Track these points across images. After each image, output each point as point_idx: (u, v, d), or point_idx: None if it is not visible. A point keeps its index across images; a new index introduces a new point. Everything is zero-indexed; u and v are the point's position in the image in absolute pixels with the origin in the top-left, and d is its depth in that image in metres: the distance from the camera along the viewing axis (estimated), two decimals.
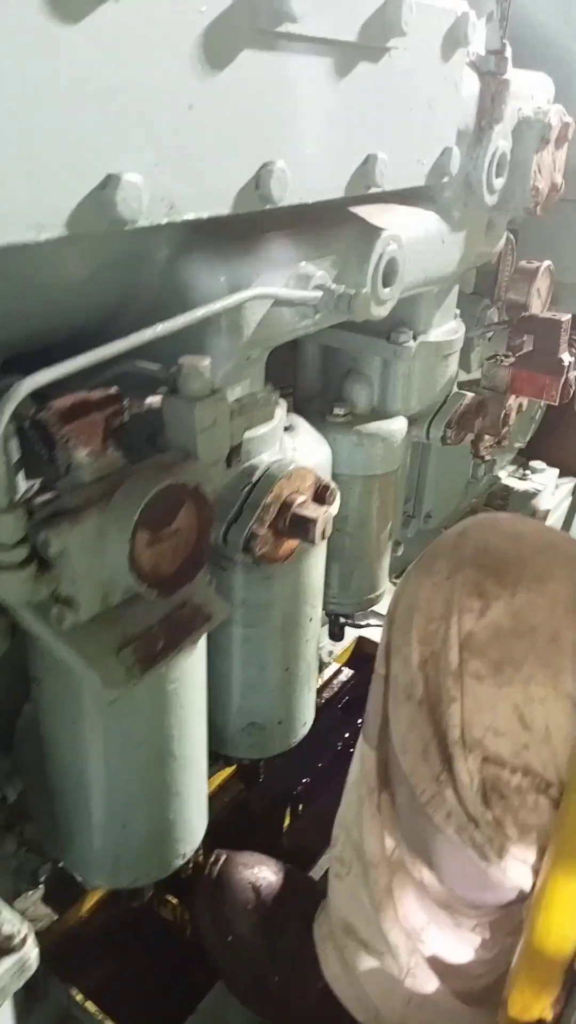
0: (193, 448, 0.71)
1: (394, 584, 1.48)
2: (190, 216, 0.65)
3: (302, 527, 0.91)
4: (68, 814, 1.01)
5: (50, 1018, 1.33)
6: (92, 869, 1.04)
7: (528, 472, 2.91)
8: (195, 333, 0.79)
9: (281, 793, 1.57)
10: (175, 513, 0.66)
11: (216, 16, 0.59)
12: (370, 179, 0.84)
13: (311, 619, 1.18)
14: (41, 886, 1.37)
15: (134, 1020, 1.21)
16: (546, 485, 2.88)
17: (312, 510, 0.92)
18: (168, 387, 0.73)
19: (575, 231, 1.76)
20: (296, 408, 1.39)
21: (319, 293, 0.85)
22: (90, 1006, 1.20)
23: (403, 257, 1.03)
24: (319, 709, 1.36)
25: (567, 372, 1.33)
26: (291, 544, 0.96)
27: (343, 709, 1.79)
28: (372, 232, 0.97)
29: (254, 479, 0.91)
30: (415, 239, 1.09)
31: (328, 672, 1.88)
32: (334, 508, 1.02)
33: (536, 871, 0.87)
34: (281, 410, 1.01)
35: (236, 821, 1.51)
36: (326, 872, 1.46)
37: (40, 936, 1.32)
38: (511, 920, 1.03)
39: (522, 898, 0.91)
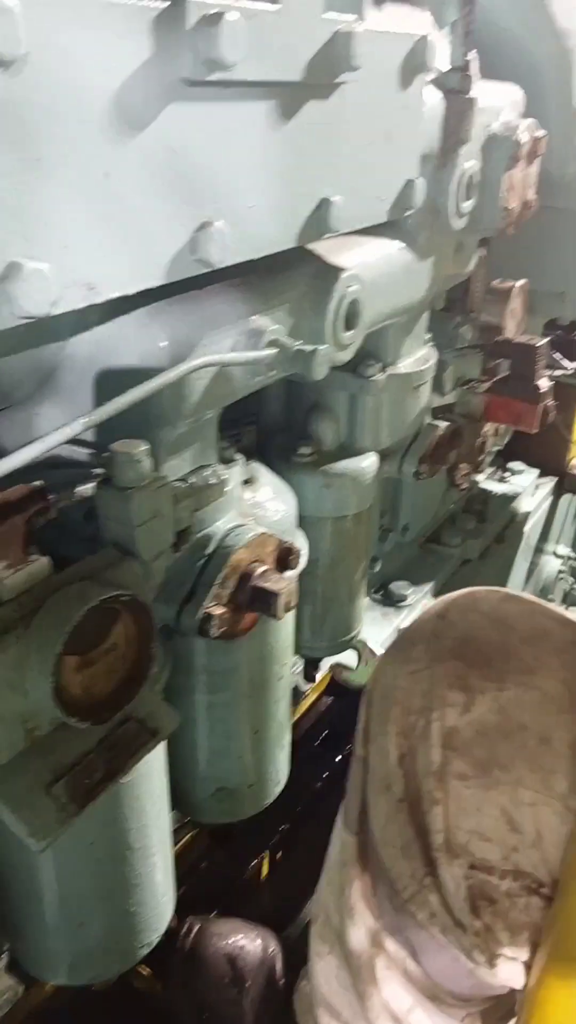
0: (131, 544, 0.63)
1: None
2: (115, 295, 0.57)
3: (264, 601, 0.84)
4: (17, 912, 0.94)
5: None
6: (47, 968, 0.97)
7: (507, 474, 2.85)
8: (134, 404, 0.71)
9: (257, 843, 1.50)
10: (109, 629, 0.58)
11: (131, 72, 0.51)
12: (324, 225, 0.76)
13: (280, 678, 1.11)
14: (4, 955, 1.31)
15: None
16: (526, 487, 2.83)
17: (274, 582, 0.84)
18: (101, 475, 0.65)
19: (550, 238, 1.69)
20: (259, 444, 1.32)
21: (273, 351, 0.78)
22: None
23: (366, 296, 0.95)
24: (296, 744, 1.30)
25: (544, 399, 1.26)
26: (253, 616, 0.89)
27: (322, 744, 1.73)
28: (330, 274, 0.89)
29: (208, 552, 0.83)
30: (379, 274, 1.01)
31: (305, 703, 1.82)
32: (301, 563, 0.95)
33: (528, 966, 0.81)
34: (238, 468, 0.93)
35: (208, 877, 1.44)
36: (307, 929, 1.41)
37: (3, 1019, 1.27)
38: (502, 1007, 0.97)
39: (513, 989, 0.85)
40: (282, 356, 0.78)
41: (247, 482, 1.01)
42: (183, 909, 1.34)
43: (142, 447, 0.63)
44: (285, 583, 0.84)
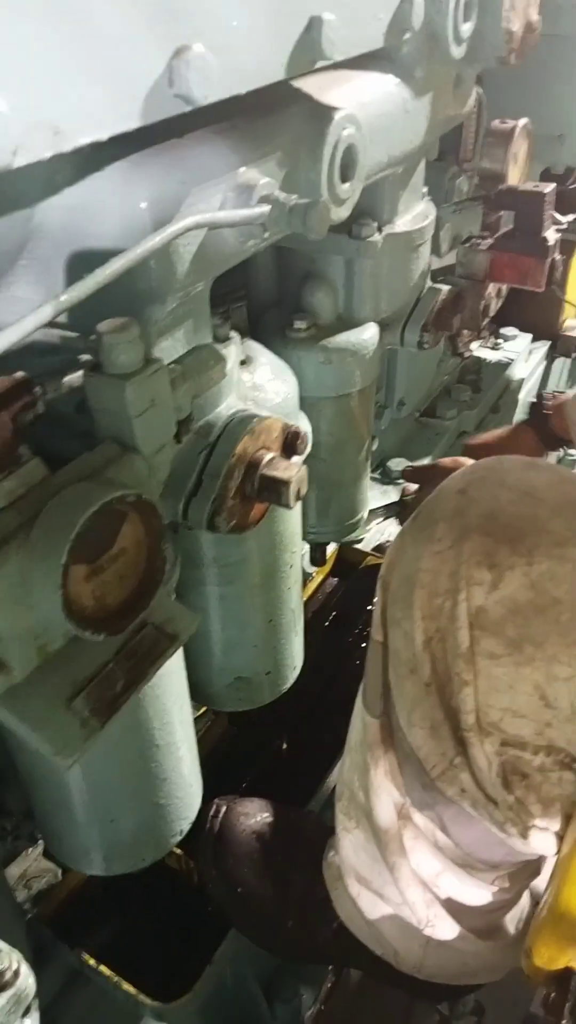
0: (129, 437, 0.57)
1: None
2: (85, 140, 0.48)
3: (274, 490, 0.79)
4: (49, 813, 0.94)
5: (61, 979, 1.32)
6: (82, 862, 0.97)
7: (500, 341, 2.76)
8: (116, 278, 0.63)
9: (274, 725, 1.51)
10: (115, 533, 0.53)
11: None
12: (316, 51, 0.65)
13: (291, 566, 1.08)
14: (40, 842, 1.33)
15: (150, 976, 1.19)
16: (519, 353, 2.74)
17: (284, 469, 0.79)
18: (89, 361, 0.58)
19: (547, 74, 1.54)
20: (250, 322, 1.23)
21: (266, 208, 0.68)
22: (104, 969, 1.18)
23: (363, 141, 0.85)
24: (306, 627, 1.28)
25: (552, 252, 1.16)
26: (263, 506, 0.83)
27: (331, 626, 1.72)
28: (323, 115, 0.79)
29: (211, 440, 0.77)
30: (374, 115, 0.90)
31: (312, 585, 1.80)
32: (307, 447, 0.89)
33: (560, 836, 0.82)
34: (235, 346, 0.85)
35: (231, 759, 1.46)
36: (329, 800, 1.44)
37: (43, 899, 1.30)
38: (529, 867, 0.99)
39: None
40: (276, 213, 0.69)
41: (243, 363, 0.93)
42: (208, 791, 1.37)
43: (132, 327, 0.56)
44: (295, 470, 0.78)
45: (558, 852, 0.82)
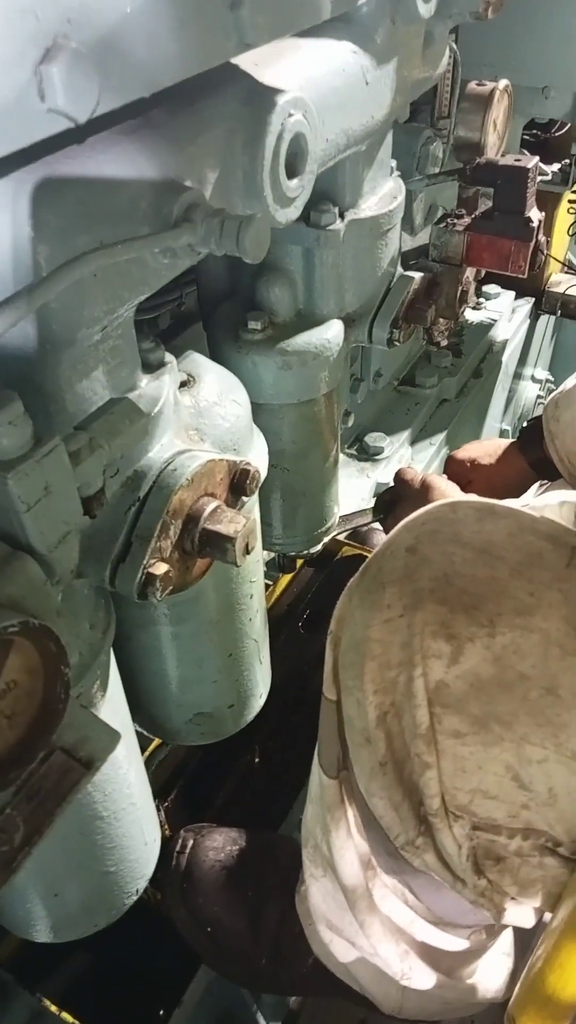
0: (20, 533, 0.46)
1: None
2: None
3: (217, 546, 0.68)
4: None
5: (25, 1017, 1.26)
6: (28, 931, 0.90)
7: (482, 300, 2.62)
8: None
9: (245, 738, 1.43)
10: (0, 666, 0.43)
11: None
12: (238, 33, 0.52)
13: (251, 596, 0.98)
14: None
15: (118, 1017, 1.13)
16: (502, 312, 2.61)
17: (229, 521, 0.68)
18: None
19: (531, 21, 1.39)
20: (202, 316, 1.11)
21: (187, 231, 0.56)
22: (66, 1016, 1.12)
23: (313, 126, 0.72)
24: (278, 625, 1.19)
25: (536, 234, 1.04)
26: (206, 561, 0.73)
27: (306, 626, 1.64)
28: (262, 100, 0.66)
29: (140, 495, 0.66)
30: (327, 90, 0.76)
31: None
32: (259, 483, 0.78)
33: (540, 910, 0.75)
34: (167, 376, 0.74)
35: (197, 777, 1.39)
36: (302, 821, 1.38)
37: (2, 941, 1.24)
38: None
39: None
40: (205, 231, 0.57)
41: (184, 384, 0.81)
42: (176, 815, 1.30)
43: (13, 405, 0.44)
44: (242, 522, 0.68)
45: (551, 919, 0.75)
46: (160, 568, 0.64)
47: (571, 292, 2.85)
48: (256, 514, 0.71)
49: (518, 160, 1.02)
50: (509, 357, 2.63)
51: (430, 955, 0.94)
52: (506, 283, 2.68)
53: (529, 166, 1.00)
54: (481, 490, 1.39)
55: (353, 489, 1.94)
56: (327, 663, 0.78)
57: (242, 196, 0.67)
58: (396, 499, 1.29)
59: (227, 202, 0.65)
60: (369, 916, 0.90)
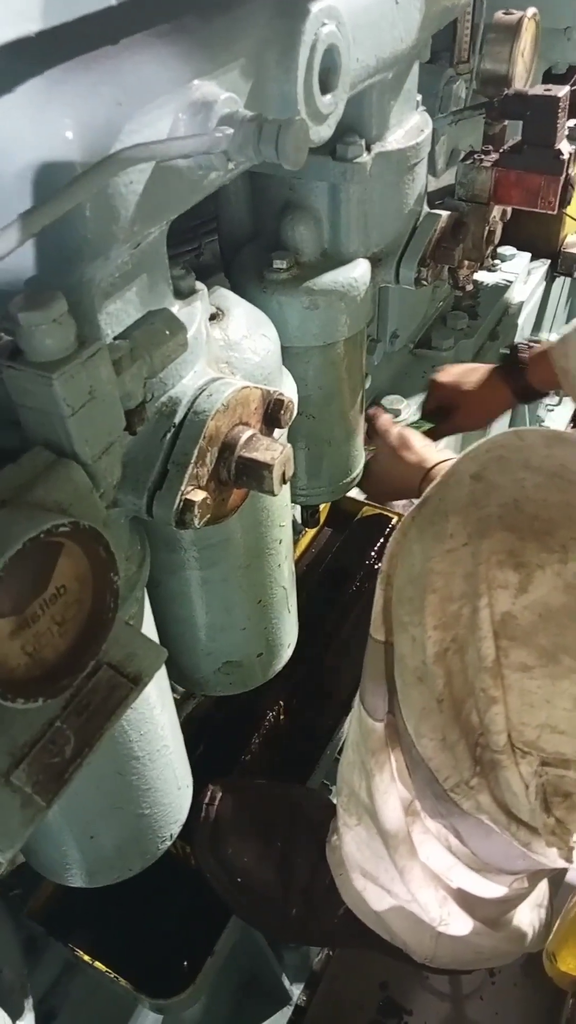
0: (64, 441, 0.45)
1: None
2: None
3: (255, 475, 0.67)
4: None
5: (58, 968, 1.27)
6: (63, 876, 0.90)
7: (497, 262, 2.58)
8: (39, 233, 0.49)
9: (270, 693, 1.43)
10: (49, 571, 0.42)
11: None
12: None
13: (280, 541, 0.96)
14: None
15: (150, 964, 1.14)
16: (518, 274, 2.57)
17: (265, 448, 0.67)
18: (6, 345, 0.45)
19: None
20: (224, 261, 1.08)
21: (228, 132, 0.54)
22: (99, 965, 1.12)
23: (346, 41, 0.70)
24: (299, 584, 1.18)
25: (567, 168, 1.01)
26: (242, 491, 0.72)
27: (328, 583, 1.63)
28: (295, 9, 0.63)
29: (176, 420, 0.64)
30: (359, 8, 0.74)
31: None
32: (293, 414, 0.76)
33: None
34: (201, 301, 0.72)
35: (225, 732, 1.38)
36: (333, 771, 1.37)
37: (33, 890, 1.24)
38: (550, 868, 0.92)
39: None
40: (241, 138, 0.55)
41: (214, 317, 0.80)
42: (203, 770, 1.29)
43: (57, 301, 0.43)
44: (279, 449, 0.66)
45: None
46: (198, 495, 0.63)
47: None
48: (289, 448, 0.69)
49: (548, 90, 0.99)
50: (525, 320, 2.59)
51: (467, 902, 0.93)
52: (521, 244, 2.64)
53: (560, 95, 0.97)
54: (467, 416, 1.40)
55: None
56: (376, 604, 0.77)
57: (276, 111, 0.65)
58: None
59: None
60: (409, 861, 0.89)
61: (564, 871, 0.95)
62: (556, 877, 1.01)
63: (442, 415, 1.44)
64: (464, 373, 1.46)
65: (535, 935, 1.01)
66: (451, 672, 0.65)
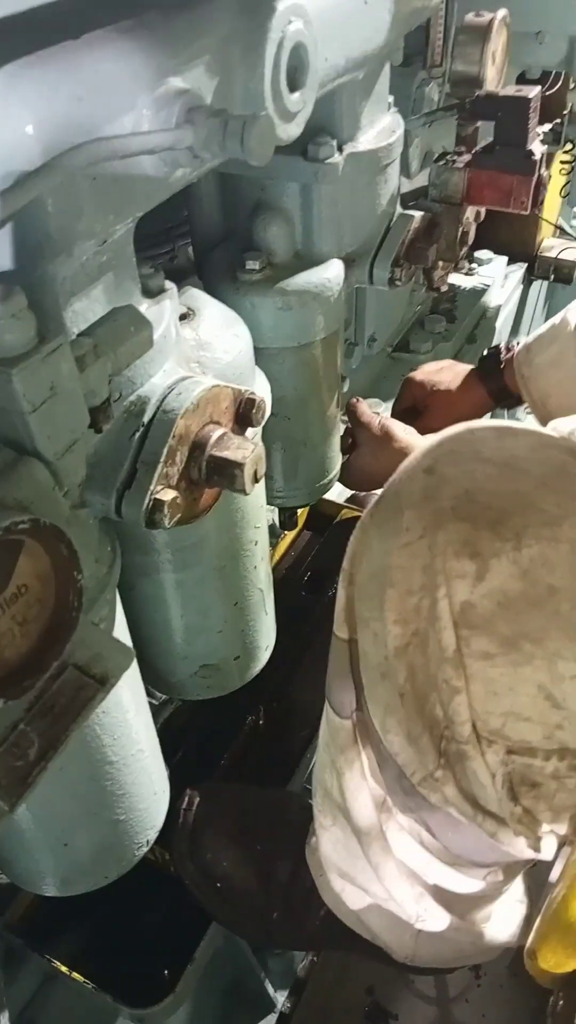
0: (26, 438, 0.44)
1: None
2: None
3: (226, 474, 0.66)
4: None
5: (37, 979, 1.25)
6: (38, 885, 0.88)
7: (474, 265, 2.60)
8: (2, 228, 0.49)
9: (250, 698, 1.42)
10: (10, 570, 0.41)
11: None
12: None
13: (256, 542, 0.96)
14: None
15: (128, 978, 1.12)
16: (495, 278, 2.60)
17: (236, 447, 0.66)
18: None
19: None
20: (196, 263, 1.08)
21: (191, 129, 0.54)
22: (77, 976, 1.11)
23: (313, 38, 0.69)
24: (279, 589, 1.18)
25: (539, 168, 1.02)
26: (214, 491, 0.71)
27: (307, 587, 1.62)
28: (260, 5, 0.63)
29: (145, 420, 0.64)
30: (328, 4, 0.74)
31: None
32: (266, 415, 0.76)
33: (562, 842, 0.73)
34: (170, 300, 0.71)
35: (204, 737, 1.37)
36: (311, 774, 1.37)
37: (11, 901, 1.22)
38: (526, 860, 0.92)
39: None
40: (207, 133, 0.55)
41: (184, 317, 0.79)
42: (181, 775, 1.28)
43: (16, 296, 0.42)
44: (250, 448, 0.66)
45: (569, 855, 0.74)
46: (168, 494, 0.62)
47: (564, 256, 2.83)
48: (261, 447, 0.69)
49: (519, 91, 1.00)
50: (503, 323, 2.61)
51: (444, 898, 0.93)
52: (498, 247, 2.66)
53: (531, 96, 0.98)
54: (440, 417, 1.41)
55: None
56: (339, 602, 0.77)
57: (243, 109, 0.65)
58: (353, 442, 1.29)
59: None
60: (383, 859, 0.89)
61: (548, 868, 0.95)
62: (539, 876, 1.01)
63: (414, 415, 1.44)
64: (438, 371, 1.47)
65: (516, 930, 1.01)
66: (413, 666, 0.65)
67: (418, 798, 0.74)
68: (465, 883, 0.91)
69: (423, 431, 1.41)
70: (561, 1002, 0.83)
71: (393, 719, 0.70)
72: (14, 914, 1.18)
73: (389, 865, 0.89)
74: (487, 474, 0.63)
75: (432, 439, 0.69)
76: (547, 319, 3.46)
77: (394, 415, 1.44)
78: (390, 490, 0.68)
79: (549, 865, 0.97)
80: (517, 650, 0.61)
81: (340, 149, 0.94)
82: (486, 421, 0.70)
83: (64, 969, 1.11)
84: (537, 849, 0.68)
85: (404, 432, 1.23)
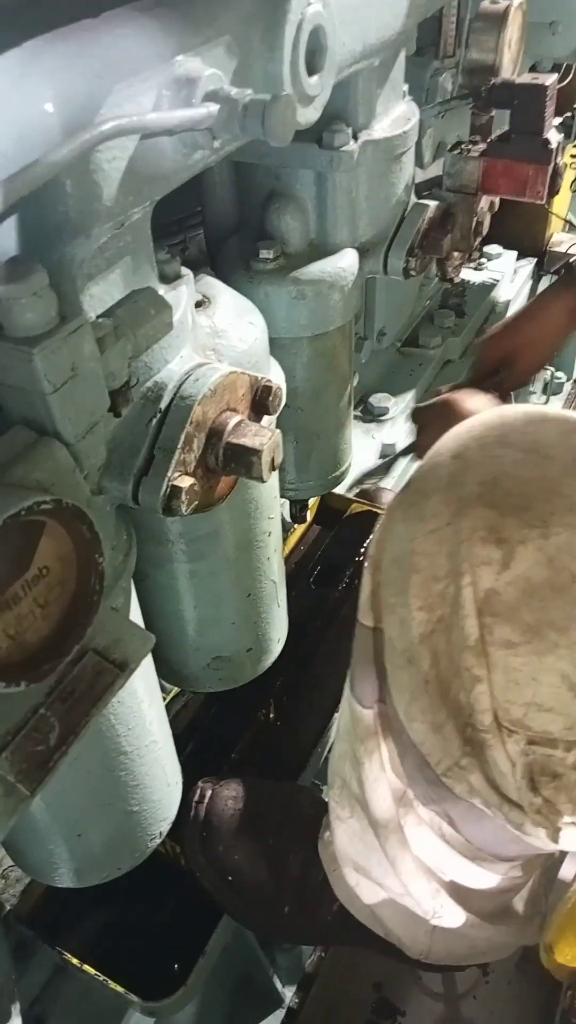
0: (46, 419, 0.44)
1: None
2: None
3: (243, 461, 0.66)
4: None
5: (48, 971, 1.25)
6: (51, 876, 0.88)
7: (483, 260, 2.59)
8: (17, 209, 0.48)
9: (260, 692, 1.41)
10: (31, 551, 0.40)
11: None
12: None
13: (269, 533, 0.95)
14: None
15: (139, 970, 1.12)
16: (504, 272, 2.58)
17: (253, 434, 0.66)
18: None
19: None
20: (209, 253, 1.07)
21: (213, 107, 0.53)
22: (88, 969, 1.10)
23: (331, 22, 0.69)
24: (289, 582, 1.17)
25: (555, 157, 1.01)
26: (230, 479, 0.71)
27: (316, 581, 1.61)
28: None
29: (162, 405, 0.63)
30: None
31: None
32: (281, 403, 0.75)
33: None
34: (187, 286, 0.71)
35: (214, 731, 1.37)
36: (324, 770, 1.36)
37: (22, 892, 1.22)
38: (546, 855, 0.91)
39: None
40: (227, 114, 0.54)
41: (200, 304, 0.78)
42: (192, 769, 1.28)
43: (37, 273, 0.41)
44: (267, 435, 0.65)
45: None
46: (185, 481, 0.62)
47: (574, 251, 2.81)
48: (278, 434, 0.68)
49: (536, 78, 0.99)
50: None
51: (461, 894, 0.92)
52: (507, 242, 2.65)
53: (548, 83, 0.97)
54: (531, 355, 1.25)
55: (359, 450, 1.92)
56: (364, 589, 0.76)
57: (262, 91, 0.64)
58: (429, 419, 1.19)
59: None
60: (400, 852, 0.88)
61: (557, 865, 0.94)
62: (548, 872, 1.00)
63: (502, 370, 1.27)
64: (512, 320, 1.32)
65: (531, 927, 1.00)
66: (437, 652, 0.64)
67: (441, 789, 0.73)
68: (484, 878, 0.90)
69: (519, 381, 1.28)
70: (573, 996, 0.82)
71: (417, 706, 0.69)
72: (24, 906, 1.17)
73: (406, 859, 0.88)
74: (514, 460, 0.62)
75: (462, 424, 0.68)
76: None
77: (475, 383, 1.31)
78: (418, 475, 0.68)
79: (559, 861, 0.96)
80: (541, 638, 0.60)
81: (355, 137, 0.93)
82: (518, 407, 0.69)
83: (75, 961, 1.11)
84: (556, 840, 0.68)
85: (468, 395, 1.13)
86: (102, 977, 1.09)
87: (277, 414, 0.74)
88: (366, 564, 0.74)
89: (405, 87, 1.03)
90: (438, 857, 0.89)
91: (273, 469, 0.67)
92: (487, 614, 0.61)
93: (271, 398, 0.71)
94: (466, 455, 0.64)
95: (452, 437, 0.67)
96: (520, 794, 0.66)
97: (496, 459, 0.63)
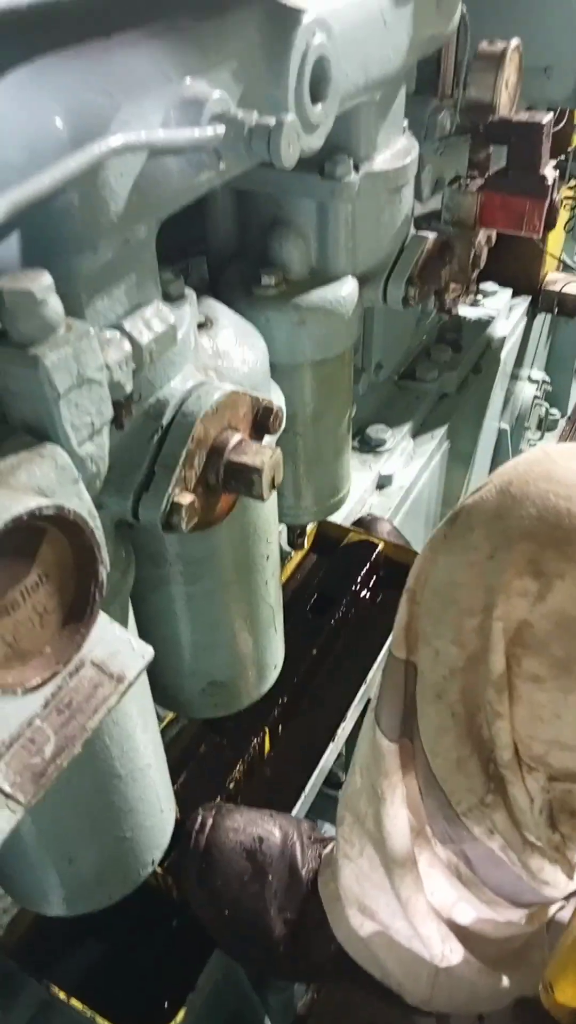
0: (50, 426, 0.43)
1: None
2: None
3: (243, 479, 0.66)
4: None
5: (32, 1008, 1.21)
6: (40, 904, 0.86)
7: (479, 296, 2.63)
8: (24, 222, 0.49)
9: (255, 721, 1.40)
10: (31, 557, 0.40)
11: None
12: None
13: (267, 557, 0.95)
14: None
15: (127, 1005, 1.09)
16: (500, 310, 2.62)
17: (254, 453, 0.66)
18: None
19: None
20: (210, 279, 1.08)
21: (220, 128, 0.54)
22: (75, 1003, 1.07)
23: (336, 53, 0.70)
24: (285, 610, 1.16)
25: (551, 193, 1.03)
26: (230, 497, 0.70)
27: (313, 610, 1.60)
28: (286, 17, 0.64)
29: (164, 422, 0.63)
30: (349, 24, 0.75)
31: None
32: (282, 425, 0.76)
33: None
34: (190, 306, 0.71)
35: (209, 761, 1.34)
36: (316, 804, 1.34)
37: (8, 924, 1.19)
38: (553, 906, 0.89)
39: None
40: (233, 135, 0.55)
41: (202, 326, 0.79)
42: (185, 799, 1.26)
43: (43, 278, 0.42)
44: (268, 454, 0.65)
45: None
46: (186, 498, 0.62)
47: (568, 290, 2.86)
48: (279, 452, 0.68)
49: (532, 116, 1.01)
50: (508, 354, 2.63)
51: (469, 940, 0.90)
52: (503, 280, 2.69)
53: (544, 121, 0.99)
54: None
55: (356, 481, 1.92)
56: (399, 620, 0.75)
57: (266, 115, 0.65)
58: None
59: None
60: (414, 893, 0.86)
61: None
62: (556, 926, 0.97)
63: None
64: None
65: (532, 976, 0.97)
66: (466, 686, 0.64)
67: (460, 829, 0.72)
68: (495, 926, 0.88)
69: None
70: None
71: (443, 743, 0.68)
72: (10, 939, 1.14)
73: (420, 901, 0.86)
74: (559, 494, 0.62)
75: (510, 462, 0.69)
76: (551, 352, 3.49)
77: None
78: (464, 508, 0.68)
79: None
80: (568, 674, 0.59)
81: (357, 168, 0.95)
82: (565, 444, 0.69)
83: (62, 995, 1.07)
84: (571, 877, 0.66)
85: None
86: (89, 1013, 1.06)
87: (278, 435, 0.74)
88: (404, 595, 0.73)
89: (405, 123, 1.06)
90: (451, 899, 0.87)
91: (274, 488, 0.67)
92: (517, 645, 0.60)
93: (272, 419, 0.71)
94: (511, 490, 0.64)
95: (499, 474, 0.67)
96: (539, 830, 0.65)
97: (542, 493, 0.62)
